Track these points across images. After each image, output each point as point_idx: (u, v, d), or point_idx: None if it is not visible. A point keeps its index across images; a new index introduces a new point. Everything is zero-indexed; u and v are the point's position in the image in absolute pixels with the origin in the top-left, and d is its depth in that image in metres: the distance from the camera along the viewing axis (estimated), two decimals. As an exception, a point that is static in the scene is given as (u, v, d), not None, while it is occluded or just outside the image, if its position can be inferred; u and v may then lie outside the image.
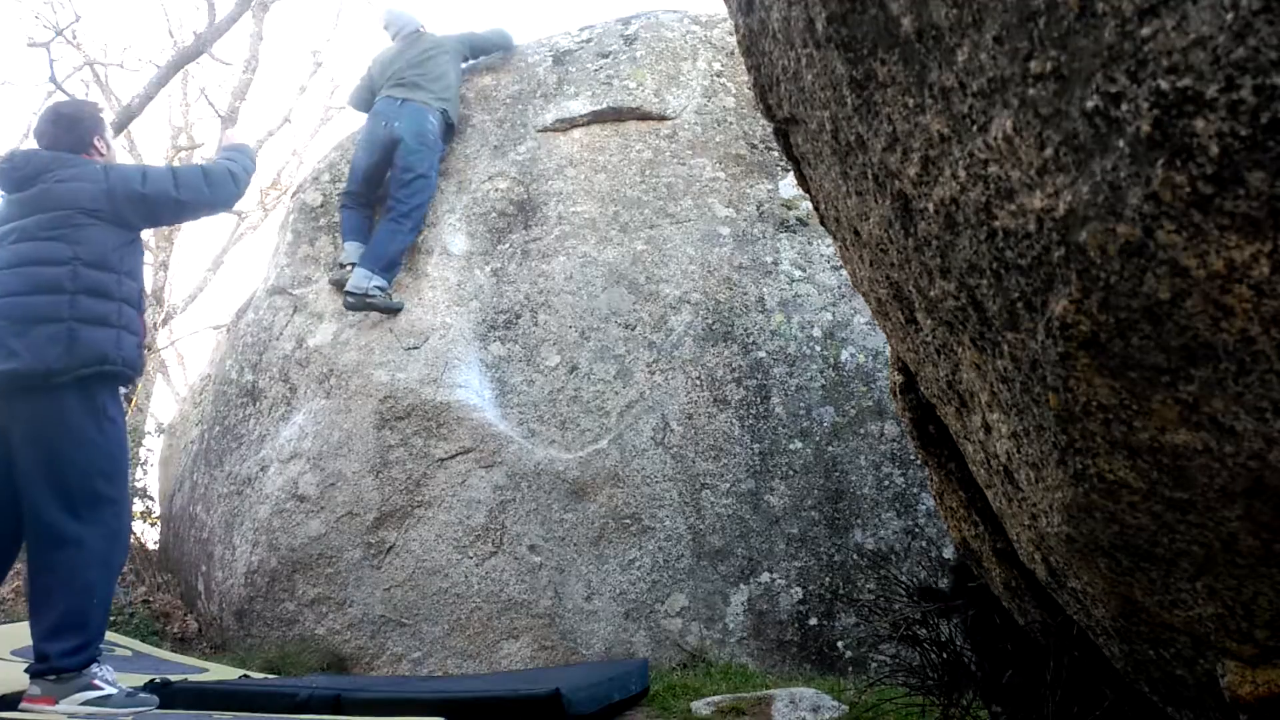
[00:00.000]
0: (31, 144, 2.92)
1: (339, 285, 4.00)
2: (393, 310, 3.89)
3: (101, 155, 2.83)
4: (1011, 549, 1.33)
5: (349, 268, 3.96)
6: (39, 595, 2.40)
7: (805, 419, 3.46)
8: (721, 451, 3.42)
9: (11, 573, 4.41)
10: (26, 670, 2.34)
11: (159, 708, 2.40)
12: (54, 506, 2.40)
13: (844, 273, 3.71)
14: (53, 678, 2.29)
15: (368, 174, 4.17)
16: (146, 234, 9.34)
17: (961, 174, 0.84)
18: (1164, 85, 0.62)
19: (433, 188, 4.11)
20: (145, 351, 2.89)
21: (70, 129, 2.78)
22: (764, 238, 3.84)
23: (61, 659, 2.29)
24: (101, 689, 2.32)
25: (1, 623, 3.62)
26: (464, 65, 4.51)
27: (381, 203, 4.16)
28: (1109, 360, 0.76)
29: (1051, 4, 0.69)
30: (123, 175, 2.76)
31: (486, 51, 4.63)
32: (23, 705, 2.28)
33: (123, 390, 3.08)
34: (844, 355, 3.57)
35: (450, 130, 4.27)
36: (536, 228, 4.00)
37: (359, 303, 3.84)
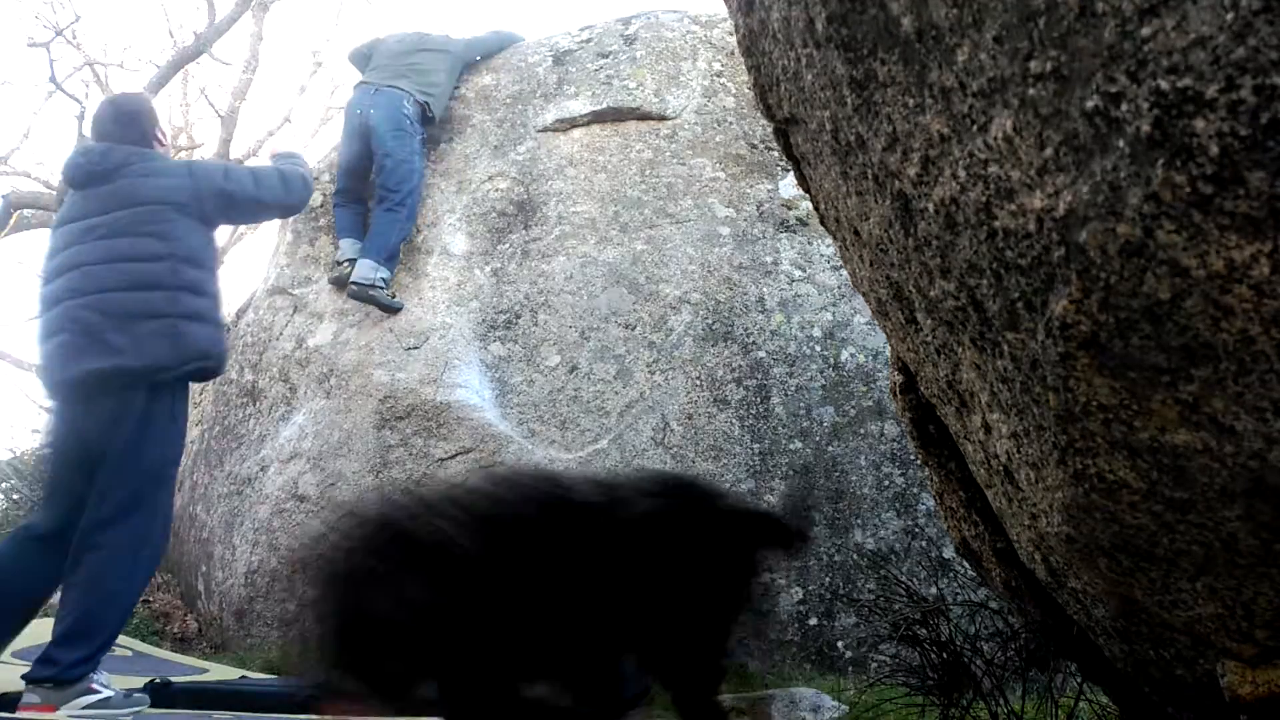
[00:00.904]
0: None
1: (339, 284, 4.00)
2: (393, 309, 3.89)
3: (163, 146, 2.84)
4: (1011, 549, 1.33)
5: (346, 264, 3.95)
6: (65, 592, 2.38)
7: (805, 419, 3.46)
8: (721, 451, 3.42)
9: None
10: (23, 677, 2.30)
11: (159, 707, 2.39)
12: (104, 504, 2.37)
13: (844, 273, 3.71)
14: (50, 685, 2.23)
15: (350, 166, 4.15)
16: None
17: (961, 174, 0.84)
18: (1164, 85, 0.62)
19: (419, 173, 4.08)
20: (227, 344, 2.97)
21: (132, 123, 2.75)
22: (764, 238, 3.84)
23: (68, 670, 2.24)
24: (100, 692, 2.30)
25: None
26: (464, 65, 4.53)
27: (373, 196, 4.15)
28: (1109, 360, 0.76)
29: (1051, 4, 0.69)
30: (207, 171, 2.78)
31: (489, 54, 4.65)
32: (21, 712, 2.25)
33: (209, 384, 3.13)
34: (844, 355, 3.57)
35: (429, 121, 4.23)
36: (536, 228, 4.00)
37: (362, 293, 3.84)
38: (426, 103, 4.16)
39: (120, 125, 2.74)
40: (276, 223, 4.57)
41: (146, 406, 2.42)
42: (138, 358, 2.41)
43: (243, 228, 11.24)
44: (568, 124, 4.24)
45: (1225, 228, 0.64)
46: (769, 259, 3.79)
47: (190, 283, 2.57)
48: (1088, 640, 1.27)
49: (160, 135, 2.82)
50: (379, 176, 4.01)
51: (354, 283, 3.82)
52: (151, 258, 2.53)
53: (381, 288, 3.82)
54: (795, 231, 3.86)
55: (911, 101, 0.89)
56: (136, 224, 2.55)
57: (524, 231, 4.00)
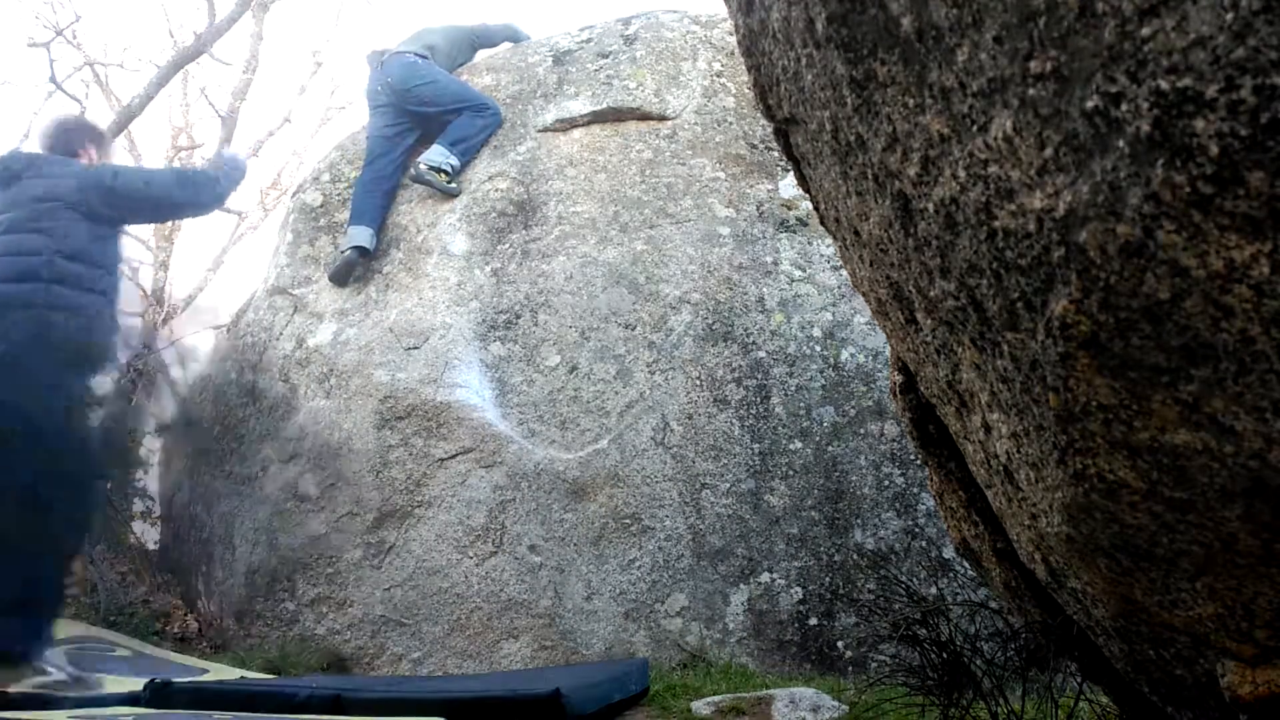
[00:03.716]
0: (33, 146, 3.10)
1: (338, 277, 4.02)
2: (449, 194, 4.01)
3: (91, 161, 2.99)
4: (1011, 549, 1.33)
5: (349, 252, 3.97)
6: None
7: (805, 419, 3.46)
8: (721, 451, 3.42)
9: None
10: None
11: (159, 707, 2.39)
12: (19, 485, 2.50)
13: (844, 273, 3.71)
14: None
15: (379, 134, 4.26)
16: (145, 233, 9.28)
17: (961, 174, 0.84)
18: (1164, 85, 0.62)
19: (479, 94, 4.29)
20: (119, 344, 3.06)
21: (61, 136, 2.99)
22: (764, 238, 3.84)
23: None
24: (51, 674, 2.35)
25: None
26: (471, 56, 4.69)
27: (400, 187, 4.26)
28: (1109, 360, 0.76)
29: (1051, 4, 0.69)
30: (95, 171, 2.91)
31: (493, 43, 4.75)
32: None
33: (103, 379, 3.26)
34: (844, 355, 3.57)
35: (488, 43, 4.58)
36: (536, 228, 3.99)
37: (421, 176, 3.97)
38: (426, 56, 4.35)
39: (51, 138, 2.98)
40: (277, 223, 4.59)
41: (47, 394, 2.56)
42: (6, 346, 2.56)
43: (243, 228, 11.25)
44: (568, 124, 4.24)
45: (1225, 228, 0.64)
46: (769, 259, 3.79)
47: (68, 276, 2.69)
48: (1088, 640, 1.27)
49: (91, 150, 2.99)
50: (444, 99, 4.20)
51: (420, 162, 3.97)
52: (31, 252, 2.68)
53: (447, 173, 3.97)
54: (795, 231, 3.86)
55: (911, 101, 0.89)
56: (26, 220, 2.73)
57: (524, 231, 4.00)
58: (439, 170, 3.99)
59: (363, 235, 3.99)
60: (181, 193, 3.07)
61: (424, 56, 4.33)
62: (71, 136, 2.98)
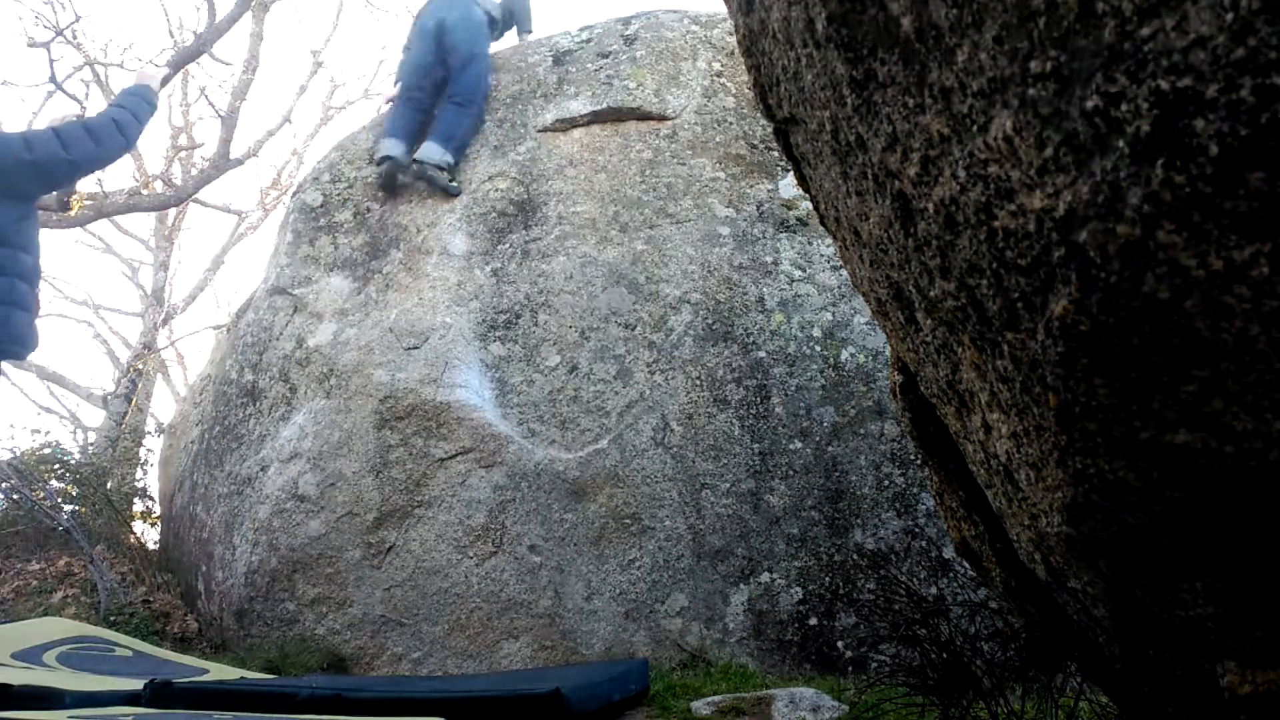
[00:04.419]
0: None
1: (384, 179, 4.17)
2: (450, 193, 4.06)
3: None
4: (1011, 549, 1.33)
5: (384, 164, 4.15)
6: None
7: (805, 419, 3.46)
8: (721, 451, 3.42)
9: (12, 573, 4.40)
10: None
11: (159, 707, 2.39)
12: None
13: (844, 273, 3.71)
14: None
15: (419, 64, 4.37)
16: (146, 234, 9.22)
17: (961, 174, 0.84)
18: (1164, 85, 0.62)
19: (487, 68, 4.33)
20: (33, 329, 2.84)
21: None
22: (764, 238, 3.84)
23: None
24: None
25: (1, 622, 3.62)
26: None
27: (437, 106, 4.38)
28: (1109, 360, 0.76)
29: (1051, 4, 0.69)
30: (6, 146, 2.70)
31: (517, 20, 4.88)
32: None
33: (11, 365, 3.15)
34: (844, 355, 3.57)
35: (495, 26, 4.59)
36: (536, 228, 4.00)
37: (423, 171, 4.03)
38: (491, 14, 4.48)
39: None
40: (277, 223, 4.60)
41: None
42: None
43: (243, 227, 11.25)
44: (568, 124, 4.24)
45: (1225, 228, 0.64)
46: (769, 259, 3.79)
47: None
48: (1088, 640, 1.27)
49: None
50: (453, 76, 4.27)
51: (417, 160, 4.03)
52: None
53: (443, 169, 4.03)
54: (795, 231, 3.86)
55: (911, 101, 0.89)
56: None
57: (524, 231, 4.00)
58: (440, 168, 4.05)
59: (393, 146, 4.16)
60: (98, 148, 2.81)
61: (491, 14, 4.50)
62: None
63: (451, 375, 3.66)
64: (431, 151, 4.06)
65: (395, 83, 4.67)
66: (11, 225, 2.63)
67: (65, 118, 3.06)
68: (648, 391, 3.55)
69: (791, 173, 2.15)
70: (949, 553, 3.14)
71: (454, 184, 4.10)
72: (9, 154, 2.65)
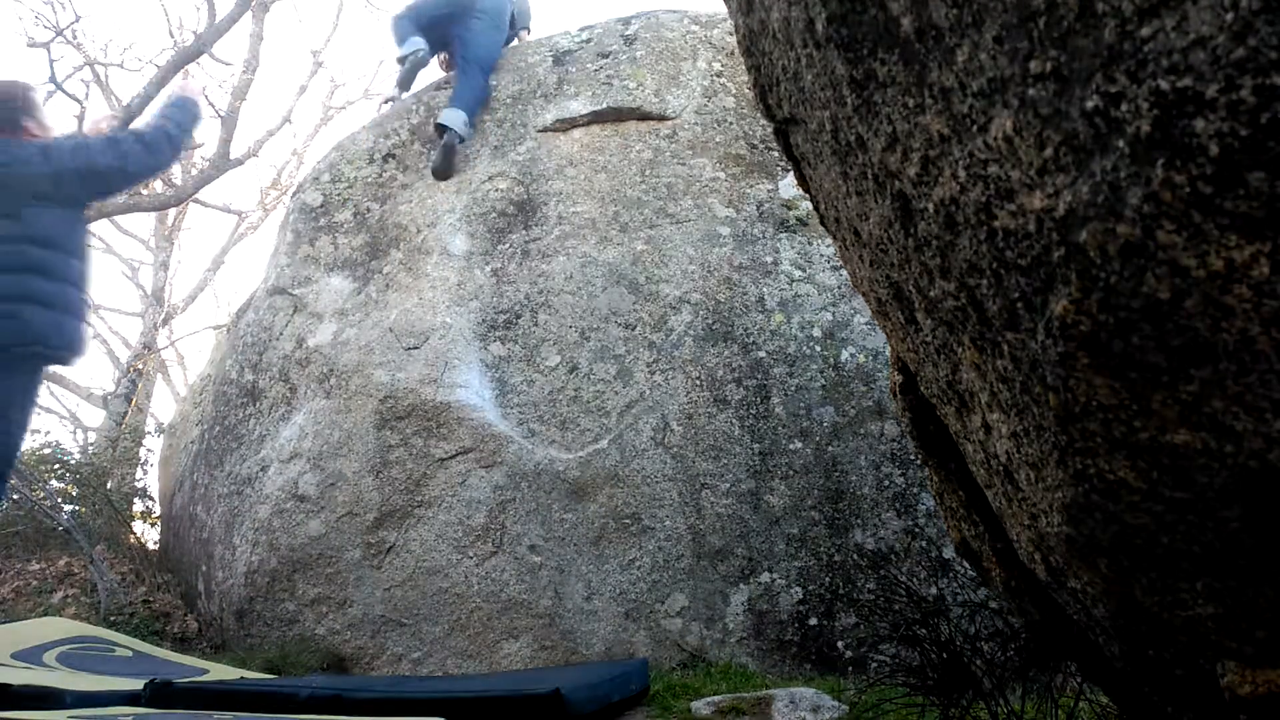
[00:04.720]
0: None
1: (404, 78, 4.60)
2: (446, 167, 4.24)
3: (34, 136, 2.84)
4: (1011, 549, 1.33)
5: (408, 58, 4.57)
6: None
7: (805, 419, 3.46)
8: (721, 451, 3.42)
9: (12, 573, 4.40)
10: None
11: (159, 707, 2.39)
12: None
13: (844, 273, 3.71)
14: None
15: (434, 17, 4.66)
16: (146, 234, 9.20)
17: (961, 174, 0.84)
18: (1164, 85, 0.62)
19: (501, 42, 4.63)
20: (85, 332, 2.98)
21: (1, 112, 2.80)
22: (764, 238, 3.84)
23: None
24: None
25: (1, 622, 3.62)
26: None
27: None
28: (1109, 360, 0.76)
29: (1051, 4, 0.69)
30: (61, 154, 2.77)
31: (516, 19, 5.00)
32: None
33: (61, 369, 3.32)
34: (844, 355, 3.57)
35: (513, 23, 4.86)
36: (536, 228, 4.00)
37: (452, 140, 4.21)
38: (514, 10, 4.78)
39: None
40: (277, 223, 4.62)
41: (12, 383, 2.54)
42: None
43: (243, 227, 11.25)
44: (568, 124, 4.24)
45: (1225, 228, 0.64)
46: (769, 259, 3.79)
47: (38, 264, 2.62)
48: (1088, 640, 1.27)
49: (31, 124, 2.84)
50: (471, 37, 4.51)
51: (440, 125, 4.22)
52: (2, 241, 2.60)
53: (465, 137, 4.25)
54: (795, 231, 3.86)
55: (911, 101, 0.89)
56: None
57: (524, 231, 4.00)
58: (456, 131, 4.21)
59: (418, 43, 4.55)
60: (152, 159, 2.93)
61: (514, 11, 4.73)
62: (12, 111, 2.80)
63: (451, 375, 3.66)
64: (457, 120, 4.21)
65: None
66: (65, 230, 2.73)
67: (108, 122, 3.17)
68: (648, 391, 3.55)
69: (791, 173, 2.15)
70: (949, 553, 3.14)
71: (458, 162, 4.26)
72: (64, 163, 2.72)
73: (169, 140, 2.98)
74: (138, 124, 3.40)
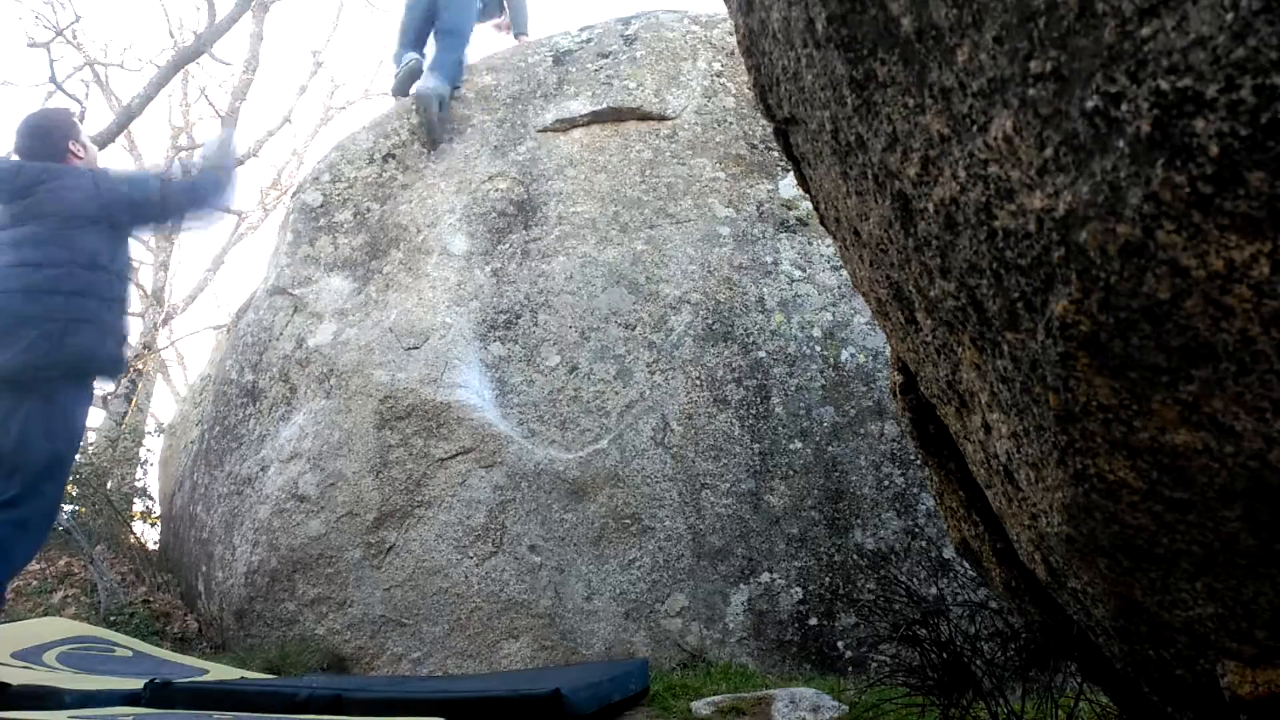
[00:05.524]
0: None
1: (398, 86, 4.74)
2: (433, 136, 4.36)
3: (79, 158, 3.02)
4: (1011, 549, 1.33)
5: (408, 64, 4.72)
6: None
7: (805, 419, 3.46)
8: (721, 451, 3.42)
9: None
10: None
11: (159, 707, 2.39)
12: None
13: (844, 273, 3.71)
14: None
15: (420, 31, 4.85)
16: (145, 233, 9.31)
17: (961, 174, 0.84)
18: (1164, 85, 0.62)
19: (473, 13, 4.86)
20: (128, 350, 3.21)
21: (46, 138, 3.00)
22: (764, 238, 3.84)
23: None
24: None
25: (1, 622, 3.62)
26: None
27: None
28: (1109, 360, 0.76)
29: (1051, 4, 0.69)
30: (111, 184, 2.98)
31: (514, 21, 5.19)
32: None
33: (110, 385, 3.55)
34: (844, 355, 3.57)
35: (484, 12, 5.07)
36: (536, 228, 4.00)
37: (425, 99, 4.33)
38: None
39: (35, 140, 2.99)
40: (277, 223, 4.64)
41: (40, 404, 2.64)
42: (26, 358, 2.66)
43: (243, 227, 11.25)
44: (568, 124, 4.24)
45: (1225, 228, 0.64)
46: (769, 259, 3.79)
47: (85, 286, 2.79)
48: (1088, 640, 1.27)
49: (76, 148, 3.02)
50: (438, 20, 4.73)
51: (427, 91, 4.33)
52: (53, 264, 2.77)
53: (447, 102, 4.37)
54: (795, 231, 3.86)
55: (911, 101, 0.89)
56: (48, 235, 2.79)
57: (524, 231, 4.00)
58: (437, 93, 4.32)
59: (411, 56, 4.72)
60: (192, 203, 3.24)
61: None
62: (54, 137, 3.00)
63: (451, 375, 3.66)
64: (432, 82, 4.37)
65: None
66: (110, 252, 2.94)
67: (181, 164, 3.49)
68: (648, 391, 3.55)
69: (791, 173, 2.15)
70: (949, 553, 3.14)
71: (446, 133, 4.35)
72: (114, 193, 2.96)
73: (218, 188, 3.33)
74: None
